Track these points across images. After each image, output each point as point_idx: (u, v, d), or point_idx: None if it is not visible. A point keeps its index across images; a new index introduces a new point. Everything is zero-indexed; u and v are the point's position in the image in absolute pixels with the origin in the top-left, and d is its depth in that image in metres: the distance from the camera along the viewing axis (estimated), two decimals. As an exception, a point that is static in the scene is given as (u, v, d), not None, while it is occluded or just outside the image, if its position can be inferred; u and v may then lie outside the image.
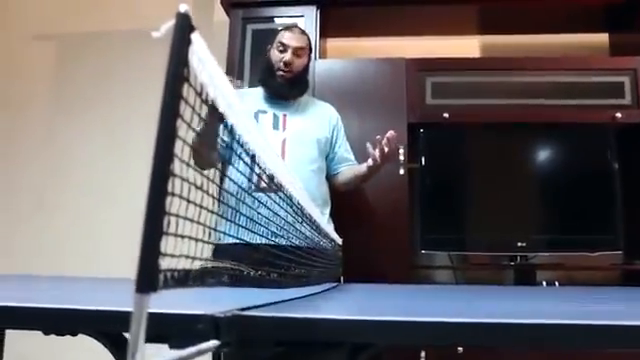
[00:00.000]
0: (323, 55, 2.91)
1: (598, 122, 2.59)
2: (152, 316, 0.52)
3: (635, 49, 2.73)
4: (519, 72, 2.70)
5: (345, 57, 2.99)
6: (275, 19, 2.81)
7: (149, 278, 0.38)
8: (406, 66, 2.69)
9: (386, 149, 1.91)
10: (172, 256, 0.41)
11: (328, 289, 1.46)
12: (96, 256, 3.08)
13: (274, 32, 2.29)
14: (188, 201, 0.45)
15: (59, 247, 3.14)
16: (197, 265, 0.56)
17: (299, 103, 2.27)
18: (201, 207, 0.48)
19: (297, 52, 2.17)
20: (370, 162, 2.00)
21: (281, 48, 2.17)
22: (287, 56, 2.14)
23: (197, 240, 0.48)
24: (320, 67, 2.69)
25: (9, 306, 0.62)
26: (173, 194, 0.40)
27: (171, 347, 0.56)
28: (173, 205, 0.41)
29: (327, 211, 2.22)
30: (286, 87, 2.17)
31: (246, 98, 2.21)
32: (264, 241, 0.80)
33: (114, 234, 3.13)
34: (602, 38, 3.07)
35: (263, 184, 0.73)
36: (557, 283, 2.48)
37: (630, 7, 2.77)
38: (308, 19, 2.76)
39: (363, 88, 2.67)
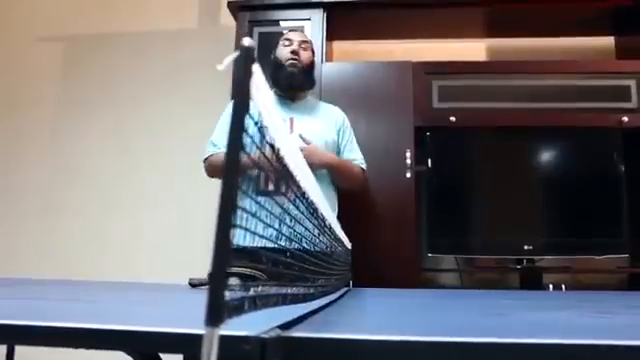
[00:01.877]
0: (330, 58, 2.91)
1: (604, 126, 2.61)
2: (194, 338, 0.52)
3: (641, 53, 2.75)
4: (525, 75, 2.71)
5: (352, 60, 3.00)
6: (282, 22, 2.81)
7: (218, 311, 0.38)
8: (413, 69, 2.70)
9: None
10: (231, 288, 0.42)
11: (341, 296, 1.46)
12: (103, 258, 3.09)
13: (281, 35, 2.36)
14: (246, 230, 0.45)
15: (65, 249, 3.14)
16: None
17: (306, 105, 2.30)
18: (254, 234, 0.49)
19: (302, 45, 2.29)
20: None
21: (287, 43, 2.28)
22: (294, 46, 2.26)
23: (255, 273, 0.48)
24: (327, 70, 2.70)
25: (47, 326, 0.60)
26: (236, 225, 0.41)
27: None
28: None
29: (335, 213, 2.23)
30: (296, 77, 2.24)
31: None
32: (296, 248, 0.80)
33: (120, 235, 3.13)
34: (608, 41, 3.08)
35: (301, 205, 0.73)
36: (564, 286, 2.49)
37: (636, 10, 2.78)
38: (315, 22, 2.76)
39: (370, 91, 2.68)
